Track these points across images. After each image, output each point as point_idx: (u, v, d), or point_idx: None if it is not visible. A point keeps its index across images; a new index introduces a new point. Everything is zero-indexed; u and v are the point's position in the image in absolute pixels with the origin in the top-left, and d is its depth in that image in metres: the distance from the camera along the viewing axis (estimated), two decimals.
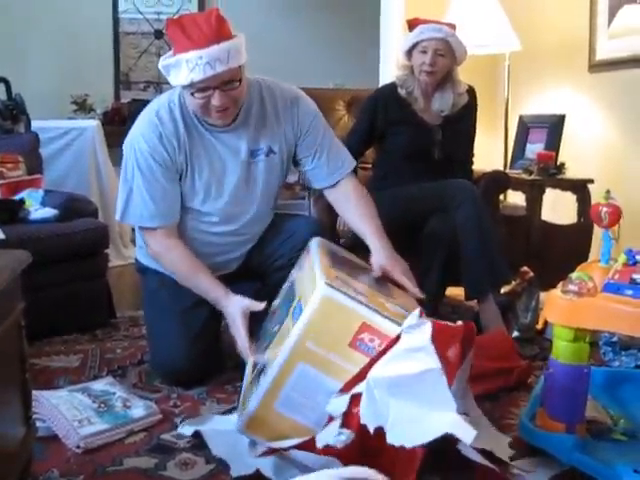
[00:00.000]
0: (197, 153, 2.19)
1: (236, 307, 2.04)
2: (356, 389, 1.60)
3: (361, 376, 1.61)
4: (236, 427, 1.75)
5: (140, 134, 2.15)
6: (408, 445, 1.51)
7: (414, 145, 2.92)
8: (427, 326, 1.62)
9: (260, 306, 2.02)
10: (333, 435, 1.58)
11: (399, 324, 1.64)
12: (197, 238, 2.29)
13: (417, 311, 1.69)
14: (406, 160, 2.93)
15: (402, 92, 2.95)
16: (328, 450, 1.57)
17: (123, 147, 2.21)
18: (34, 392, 1.92)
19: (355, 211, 2.30)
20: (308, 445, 1.61)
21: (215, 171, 2.21)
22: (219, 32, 1.96)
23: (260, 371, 1.75)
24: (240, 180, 2.24)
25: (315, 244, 2.04)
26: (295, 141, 2.30)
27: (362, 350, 1.63)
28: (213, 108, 2.05)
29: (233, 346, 2.05)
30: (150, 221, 2.18)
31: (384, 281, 2.09)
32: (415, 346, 1.58)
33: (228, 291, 2.12)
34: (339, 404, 1.61)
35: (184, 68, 1.96)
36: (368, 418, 1.57)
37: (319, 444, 1.59)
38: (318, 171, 2.32)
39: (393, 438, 1.53)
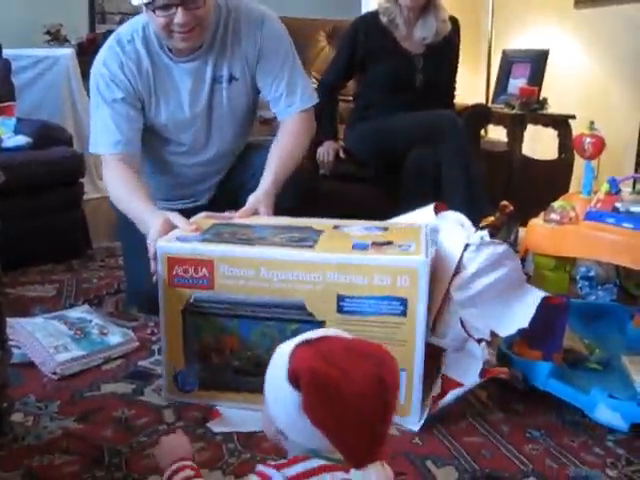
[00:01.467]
0: (161, 83, 2.13)
1: (159, 216, 1.85)
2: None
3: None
4: None
5: (102, 61, 2.10)
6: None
7: (395, 74, 2.87)
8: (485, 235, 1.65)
9: (186, 224, 1.79)
10: None
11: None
12: (167, 168, 2.26)
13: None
14: (388, 90, 2.88)
15: (384, 20, 2.89)
16: None
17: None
18: (9, 319, 1.90)
19: (275, 150, 2.16)
20: None
21: (180, 100, 2.15)
22: None
23: None
24: (205, 108, 2.17)
25: (187, 246, 1.69)
26: (254, 64, 2.18)
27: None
28: (176, 28, 1.96)
29: None
30: (114, 147, 2.09)
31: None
32: (494, 255, 1.61)
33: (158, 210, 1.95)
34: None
35: None
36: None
37: None
38: (275, 103, 2.22)
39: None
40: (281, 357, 1.06)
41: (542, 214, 1.74)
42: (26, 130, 2.96)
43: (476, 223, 2.67)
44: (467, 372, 1.60)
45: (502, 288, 1.61)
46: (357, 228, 1.72)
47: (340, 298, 1.54)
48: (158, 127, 2.18)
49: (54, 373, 1.81)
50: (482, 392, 1.74)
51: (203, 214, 1.90)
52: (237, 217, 1.89)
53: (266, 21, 2.16)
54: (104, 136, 2.10)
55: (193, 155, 2.24)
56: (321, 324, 1.56)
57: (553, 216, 1.70)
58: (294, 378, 1.02)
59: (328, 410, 1.00)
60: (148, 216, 1.89)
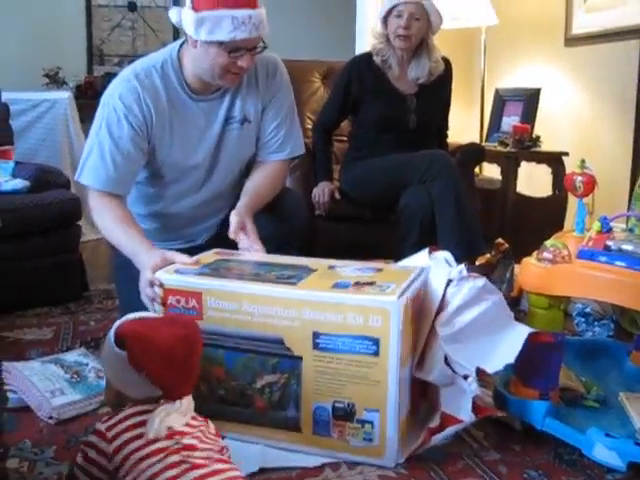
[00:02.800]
0: (177, 120, 2.13)
1: (157, 255, 1.86)
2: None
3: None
4: None
5: (118, 93, 2.08)
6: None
7: (388, 114, 2.90)
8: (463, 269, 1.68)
9: (186, 259, 1.84)
10: None
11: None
12: (162, 209, 2.25)
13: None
14: (381, 130, 2.91)
15: (377, 60, 2.93)
16: None
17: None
18: (5, 363, 1.91)
19: (251, 186, 2.20)
20: None
21: (190, 139, 2.17)
22: None
23: None
24: (212, 148, 2.19)
25: (182, 278, 1.76)
26: (264, 109, 2.24)
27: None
28: (236, 69, 2.03)
29: None
30: (103, 184, 2.07)
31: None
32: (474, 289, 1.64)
33: (154, 246, 1.97)
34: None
35: (227, 24, 1.92)
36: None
37: None
38: (265, 146, 2.27)
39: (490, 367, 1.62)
40: (110, 332, 1.42)
41: (535, 253, 1.75)
42: (24, 174, 2.99)
43: (471, 261, 2.70)
44: (460, 407, 1.61)
45: (486, 323, 1.64)
46: (350, 269, 1.73)
47: (316, 335, 1.57)
48: (162, 166, 2.17)
49: (50, 417, 1.80)
50: (479, 432, 1.74)
51: (213, 251, 1.94)
52: (231, 234, 1.98)
53: (279, 69, 2.25)
54: (98, 170, 2.07)
55: (193, 193, 2.23)
56: (299, 359, 1.60)
57: (546, 255, 1.71)
58: (119, 341, 1.38)
59: (147, 360, 1.35)
60: (145, 254, 1.90)
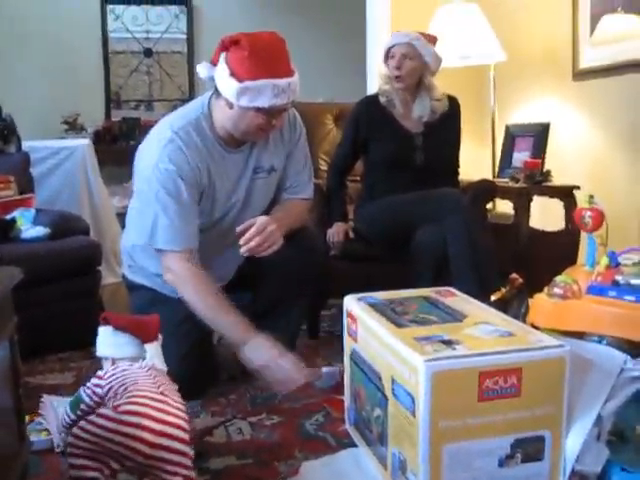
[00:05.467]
0: (217, 173, 2.23)
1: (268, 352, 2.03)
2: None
3: None
4: None
5: (167, 157, 2.12)
6: None
7: (396, 152, 2.96)
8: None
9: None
10: None
11: (514, 351, 1.51)
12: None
13: None
14: (390, 169, 2.97)
15: (383, 100, 3.02)
16: None
17: (138, 170, 2.20)
18: (47, 396, 2.12)
19: (280, 208, 2.39)
20: None
21: (227, 191, 2.27)
22: (289, 61, 2.11)
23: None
24: (243, 196, 2.31)
25: (353, 303, 1.87)
26: (287, 156, 2.39)
27: (493, 396, 1.49)
28: (269, 128, 2.15)
29: (227, 359, 2.06)
30: (179, 244, 2.16)
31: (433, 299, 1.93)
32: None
33: (252, 330, 2.10)
34: None
35: (268, 92, 2.03)
36: None
37: None
38: (285, 188, 2.44)
39: None
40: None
41: (546, 289, 1.78)
42: (44, 221, 3.05)
43: (487, 298, 2.71)
44: None
45: None
46: (486, 328, 1.61)
47: (393, 381, 1.58)
48: (204, 214, 2.25)
49: (58, 446, 1.88)
50: None
51: None
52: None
53: (297, 120, 2.41)
54: (173, 233, 2.15)
55: (222, 238, 2.32)
56: (387, 400, 1.62)
57: (556, 290, 1.73)
58: (104, 320, 1.77)
59: (123, 319, 1.77)
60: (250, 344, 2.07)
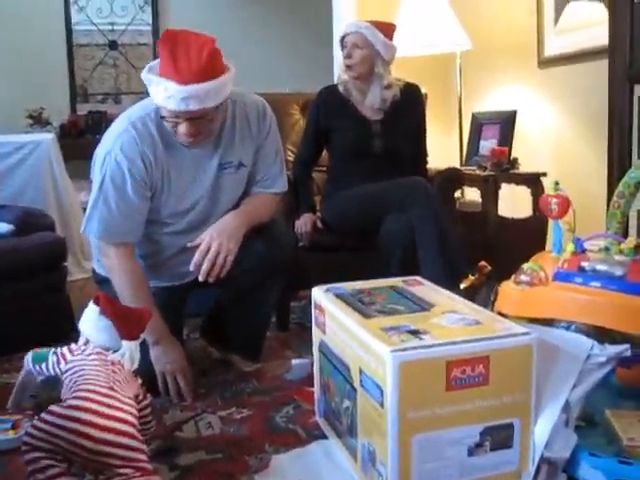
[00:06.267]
0: (173, 167, 2.18)
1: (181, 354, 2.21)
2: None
3: None
4: None
5: (119, 147, 2.10)
6: None
7: (353, 141, 2.97)
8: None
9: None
10: None
11: (481, 339, 1.50)
12: (159, 249, 2.30)
13: None
14: (350, 157, 2.98)
15: (341, 89, 3.03)
16: None
17: (95, 157, 2.17)
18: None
19: (245, 201, 2.35)
20: None
21: (185, 185, 2.22)
22: (206, 70, 1.94)
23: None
24: (207, 192, 2.25)
25: (320, 295, 1.87)
26: (256, 150, 2.33)
27: (461, 386, 1.48)
28: (184, 132, 2.05)
29: (197, 353, 2.05)
30: (112, 237, 2.16)
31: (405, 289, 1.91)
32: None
33: (168, 334, 2.21)
34: None
35: (162, 91, 1.96)
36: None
37: None
38: (255, 182, 2.38)
39: None
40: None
41: (513, 276, 1.78)
42: (8, 217, 3.01)
43: (456, 286, 2.72)
44: None
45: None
46: (453, 317, 1.61)
47: (361, 372, 1.57)
48: (158, 210, 2.22)
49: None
50: None
51: None
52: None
53: (267, 112, 2.33)
54: (108, 225, 2.14)
55: (186, 234, 2.27)
56: (356, 391, 1.62)
57: (523, 278, 1.73)
58: (96, 299, 1.77)
59: (112, 306, 1.75)
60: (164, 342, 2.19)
